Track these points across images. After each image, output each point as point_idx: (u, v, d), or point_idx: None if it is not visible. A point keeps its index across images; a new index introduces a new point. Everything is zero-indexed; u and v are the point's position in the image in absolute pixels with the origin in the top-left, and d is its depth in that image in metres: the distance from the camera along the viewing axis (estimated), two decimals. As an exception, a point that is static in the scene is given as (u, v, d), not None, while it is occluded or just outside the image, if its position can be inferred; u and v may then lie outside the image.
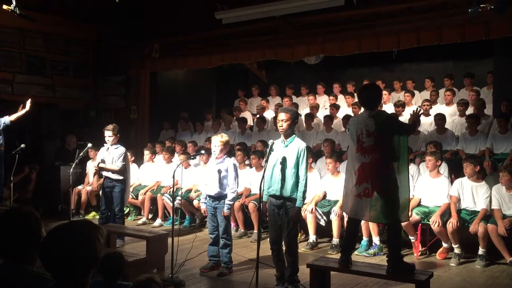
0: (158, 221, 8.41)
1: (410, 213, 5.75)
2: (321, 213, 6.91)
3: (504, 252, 5.79)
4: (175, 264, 5.31)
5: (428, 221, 6.17)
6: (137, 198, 8.75)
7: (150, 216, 8.71)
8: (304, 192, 4.82)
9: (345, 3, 7.56)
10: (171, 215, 7.58)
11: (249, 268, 5.64)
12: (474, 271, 5.76)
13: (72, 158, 8.29)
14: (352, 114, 8.21)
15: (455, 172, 6.88)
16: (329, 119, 8.79)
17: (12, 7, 7.07)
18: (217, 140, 5.58)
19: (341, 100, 9.96)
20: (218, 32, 9.19)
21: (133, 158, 8.78)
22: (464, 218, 6.10)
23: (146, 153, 9.15)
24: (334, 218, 6.66)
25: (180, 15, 9.62)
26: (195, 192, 8.06)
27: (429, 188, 6.47)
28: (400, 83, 9.91)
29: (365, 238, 6.52)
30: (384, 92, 8.89)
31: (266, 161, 4.87)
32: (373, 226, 6.37)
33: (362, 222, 5.77)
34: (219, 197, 5.58)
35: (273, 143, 4.82)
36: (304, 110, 10.05)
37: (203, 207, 5.87)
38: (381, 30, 7.64)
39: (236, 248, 6.38)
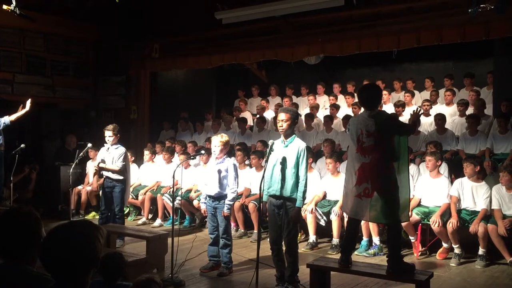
0: (158, 221, 8.41)
1: (410, 213, 5.74)
2: (321, 213, 6.91)
3: (504, 252, 5.79)
4: (175, 264, 5.31)
5: (428, 221, 6.17)
6: (137, 198, 8.74)
7: (150, 216, 8.71)
8: (304, 192, 4.82)
9: (345, 3, 7.55)
10: (171, 215, 7.58)
11: (249, 268, 5.64)
12: (474, 271, 5.75)
13: (72, 158, 8.28)
14: (352, 114, 8.20)
15: (455, 172, 6.88)
16: (329, 119, 8.79)
17: (12, 7, 7.07)
18: (217, 140, 5.58)
19: (341, 100, 9.95)
20: (218, 32, 9.19)
21: (133, 158, 8.78)
22: (464, 218, 6.10)
23: (146, 153, 9.14)
24: (334, 218, 6.66)
25: (180, 15, 9.62)
26: (195, 192, 8.05)
27: (429, 188, 6.47)
28: (400, 83, 9.91)
29: (365, 238, 6.52)
30: (384, 92, 8.89)
31: (266, 161, 4.87)
32: (373, 226, 6.37)
33: (362, 222, 5.76)
34: (219, 197, 5.58)
35: (273, 143, 4.82)
36: (304, 110, 10.04)
37: (203, 207, 5.87)
38: (381, 30, 7.63)
39: (236, 248, 6.38)
